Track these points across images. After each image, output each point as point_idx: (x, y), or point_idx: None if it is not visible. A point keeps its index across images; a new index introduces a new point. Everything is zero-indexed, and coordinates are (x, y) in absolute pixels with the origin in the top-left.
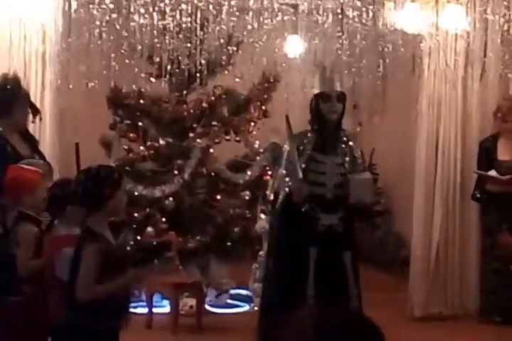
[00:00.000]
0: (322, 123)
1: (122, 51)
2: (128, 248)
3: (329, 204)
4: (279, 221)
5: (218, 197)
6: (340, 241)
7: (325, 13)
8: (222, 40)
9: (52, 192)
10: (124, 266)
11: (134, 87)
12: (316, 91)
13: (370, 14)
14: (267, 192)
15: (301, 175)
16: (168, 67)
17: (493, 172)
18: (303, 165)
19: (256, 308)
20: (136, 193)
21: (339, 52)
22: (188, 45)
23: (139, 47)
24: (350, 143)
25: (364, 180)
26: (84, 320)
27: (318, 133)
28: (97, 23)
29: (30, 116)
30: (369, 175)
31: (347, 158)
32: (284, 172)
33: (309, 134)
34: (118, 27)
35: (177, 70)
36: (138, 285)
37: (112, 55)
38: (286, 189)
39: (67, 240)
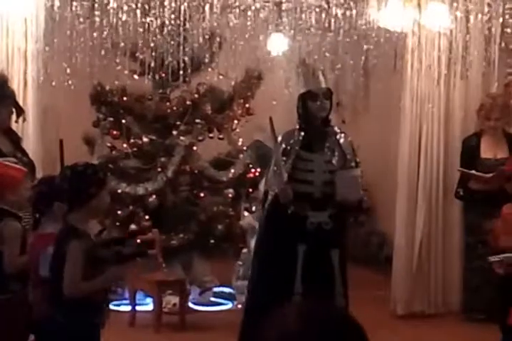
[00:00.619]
0: (310, 122)
1: (105, 48)
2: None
3: (318, 201)
4: (269, 220)
5: (202, 194)
6: (329, 238)
7: (308, 11)
8: (205, 38)
9: (39, 189)
10: (105, 264)
11: (117, 84)
12: (302, 90)
13: (354, 12)
14: (260, 188)
15: (285, 177)
16: (152, 64)
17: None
18: (290, 165)
19: (239, 306)
20: (119, 191)
21: (322, 49)
22: (172, 42)
23: (122, 44)
24: (340, 139)
25: (350, 177)
26: (67, 317)
27: (305, 131)
28: (80, 19)
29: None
30: (356, 171)
31: (336, 155)
32: (273, 172)
33: (296, 133)
34: (100, 24)
35: (160, 68)
36: (120, 283)
37: (95, 52)
38: (275, 189)
39: (52, 238)
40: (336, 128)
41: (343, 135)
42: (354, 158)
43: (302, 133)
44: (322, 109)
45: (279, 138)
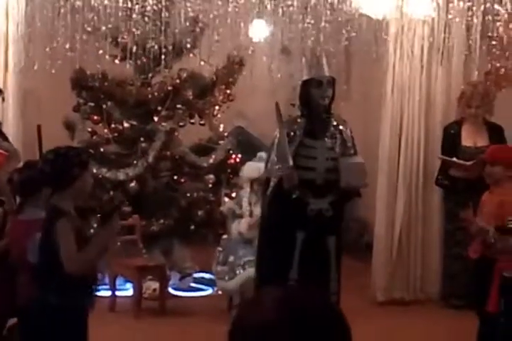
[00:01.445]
0: (313, 109)
1: (86, 33)
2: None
3: (319, 188)
4: (270, 206)
5: (182, 180)
6: (328, 225)
7: None
8: (187, 23)
9: (26, 174)
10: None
11: (98, 69)
12: (305, 77)
13: None
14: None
15: (291, 162)
16: (133, 49)
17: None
18: (293, 152)
19: (220, 292)
20: (99, 176)
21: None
22: (153, 27)
23: (103, 28)
24: (341, 127)
25: (355, 164)
26: (59, 299)
27: (308, 118)
28: (61, 3)
29: None
30: (360, 159)
31: (337, 142)
32: (275, 158)
33: (299, 120)
34: (82, 8)
35: (142, 53)
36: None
37: (76, 36)
38: (278, 173)
39: (37, 225)
40: (336, 116)
41: (344, 123)
42: (354, 146)
43: (304, 121)
44: (325, 96)
45: (283, 125)
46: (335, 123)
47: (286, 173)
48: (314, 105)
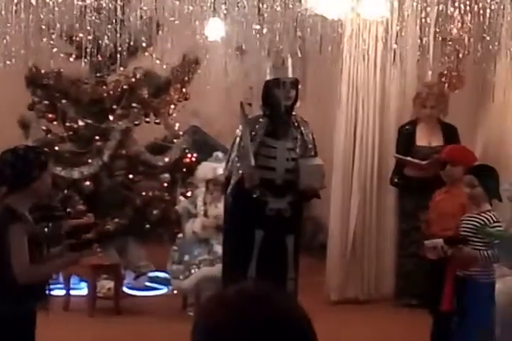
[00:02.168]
0: (275, 109)
1: (41, 30)
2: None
3: (279, 188)
4: (230, 205)
5: (137, 179)
6: (286, 224)
7: None
8: (143, 22)
9: None
10: (43, 248)
11: (52, 67)
12: (269, 77)
13: None
14: (196, 175)
15: (253, 161)
16: (88, 47)
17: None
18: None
19: (175, 291)
20: (54, 174)
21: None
22: (108, 26)
23: (58, 26)
24: (302, 128)
25: (315, 166)
26: (9, 303)
27: (270, 118)
28: (16, 0)
29: None
30: (319, 160)
31: (298, 143)
32: (236, 157)
33: (261, 119)
34: (36, 5)
35: (97, 51)
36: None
37: (31, 33)
38: (240, 172)
39: None
40: (298, 117)
41: (305, 124)
42: (314, 148)
43: (266, 120)
44: (287, 97)
45: (242, 126)
46: (296, 124)
47: (247, 173)
48: (277, 105)
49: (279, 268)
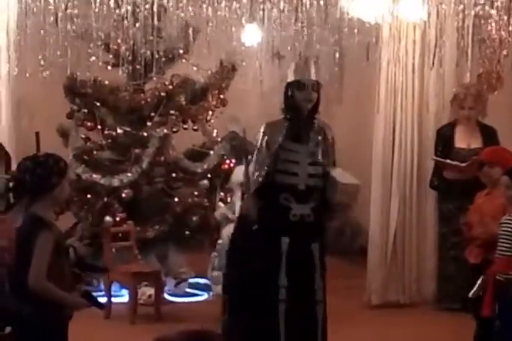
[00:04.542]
0: (296, 112)
1: (79, 39)
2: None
3: (301, 193)
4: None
5: (176, 186)
6: (311, 231)
7: (281, 2)
8: (179, 29)
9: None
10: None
11: (90, 75)
12: (291, 79)
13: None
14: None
15: (253, 189)
16: (126, 55)
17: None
18: (273, 157)
19: (215, 297)
20: (94, 182)
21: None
22: (146, 33)
23: (95, 35)
24: (325, 132)
25: (354, 186)
26: (33, 309)
27: (291, 121)
28: (52, 10)
29: None
30: (355, 179)
31: (319, 148)
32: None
33: (282, 123)
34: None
35: (134, 59)
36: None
37: (69, 43)
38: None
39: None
40: (321, 121)
41: (328, 128)
42: (333, 155)
43: (288, 124)
44: (308, 99)
45: (264, 127)
46: (318, 128)
47: (244, 202)
48: (297, 108)
49: (307, 277)
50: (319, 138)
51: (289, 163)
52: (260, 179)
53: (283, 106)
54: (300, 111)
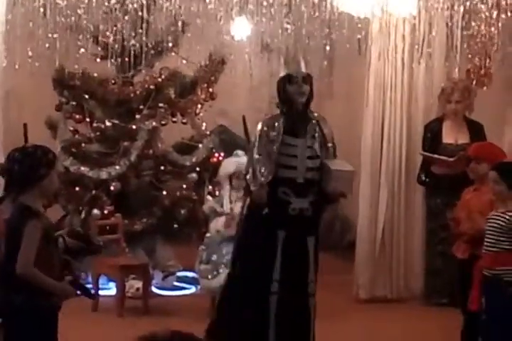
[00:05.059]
0: (290, 106)
1: (67, 31)
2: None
3: (300, 187)
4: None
5: (165, 179)
6: (307, 225)
7: None
8: (168, 22)
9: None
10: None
11: (79, 67)
12: (282, 73)
13: None
14: (220, 173)
15: (262, 179)
16: (114, 48)
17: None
18: (276, 151)
19: (203, 291)
20: (82, 175)
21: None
22: (134, 26)
23: (85, 27)
24: (321, 125)
25: (348, 172)
26: (22, 298)
27: (287, 115)
28: (41, 2)
29: None
30: (351, 166)
31: (316, 141)
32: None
33: (279, 118)
34: (63, 7)
35: (123, 51)
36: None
37: (57, 35)
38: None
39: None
40: (316, 114)
41: (323, 120)
42: (334, 147)
43: (284, 118)
44: (300, 92)
45: (261, 123)
46: (314, 120)
47: (255, 190)
48: (291, 101)
49: (301, 270)
50: (316, 131)
51: (287, 157)
52: (270, 175)
53: (278, 101)
54: (294, 104)
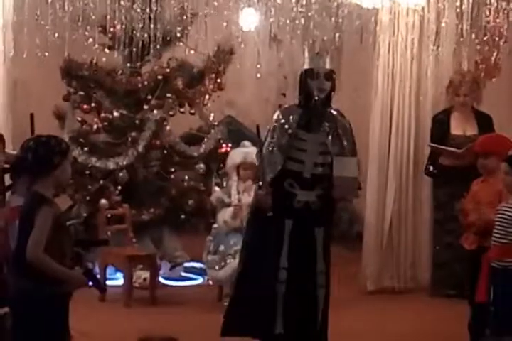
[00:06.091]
0: (308, 100)
1: (75, 21)
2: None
3: (307, 181)
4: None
5: (172, 169)
6: (315, 217)
7: None
8: (176, 12)
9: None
10: (69, 233)
11: (87, 57)
12: (306, 67)
13: None
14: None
15: (268, 181)
16: (122, 38)
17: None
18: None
19: (211, 282)
20: (89, 165)
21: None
22: (142, 16)
23: (93, 17)
24: (340, 124)
25: (349, 179)
26: (32, 284)
27: (303, 109)
28: None
29: None
30: (356, 169)
31: (330, 138)
32: (271, 144)
33: (295, 109)
34: None
35: (131, 42)
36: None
37: (65, 25)
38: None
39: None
40: (335, 111)
41: (343, 119)
42: (353, 145)
43: (301, 111)
44: (320, 88)
45: (278, 113)
46: (332, 117)
47: (260, 195)
48: (310, 96)
49: (309, 260)
50: (330, 127)
51: (297, 151)
52: (279, 167)
53: (298, 93)
54: (312, 99)
